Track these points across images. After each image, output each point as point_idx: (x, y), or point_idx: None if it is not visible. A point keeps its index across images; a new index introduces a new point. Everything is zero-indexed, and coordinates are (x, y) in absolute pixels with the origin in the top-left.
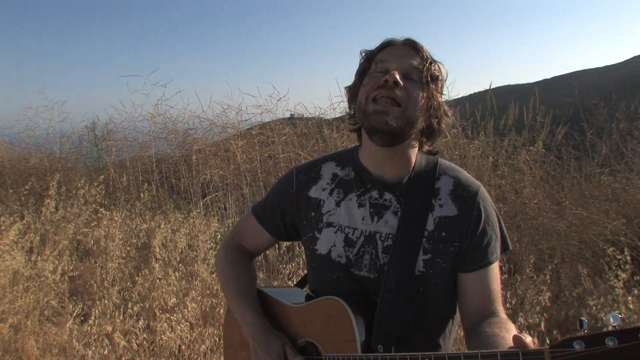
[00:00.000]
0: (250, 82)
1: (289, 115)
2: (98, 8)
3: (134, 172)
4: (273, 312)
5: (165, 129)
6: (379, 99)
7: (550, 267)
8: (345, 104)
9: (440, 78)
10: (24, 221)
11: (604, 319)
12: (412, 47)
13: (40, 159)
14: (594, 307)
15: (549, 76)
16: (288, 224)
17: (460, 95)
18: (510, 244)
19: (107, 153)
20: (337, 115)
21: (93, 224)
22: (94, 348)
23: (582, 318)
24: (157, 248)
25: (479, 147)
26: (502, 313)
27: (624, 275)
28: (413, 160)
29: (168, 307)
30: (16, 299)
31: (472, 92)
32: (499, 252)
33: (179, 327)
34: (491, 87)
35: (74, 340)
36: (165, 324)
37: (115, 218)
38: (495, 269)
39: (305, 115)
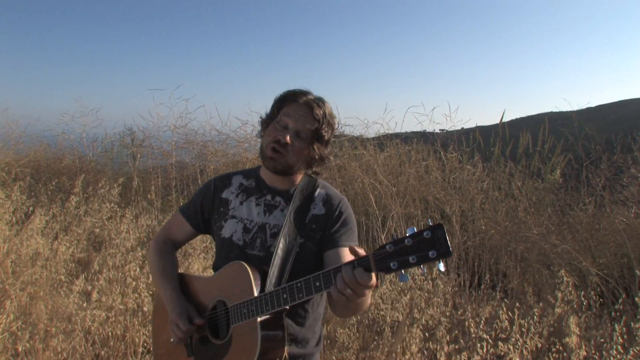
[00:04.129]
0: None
1: None
2: (133, 21)
3: (155, 178)
4: (191, 288)
5: (187, 140)
6: (273, 150)
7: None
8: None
9: (325, 138)
10: (51, 213)
11: (406, 230)
12: (310, 109)
13: (73, 160)
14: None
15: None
16: (206, 219)
17: (467, 125)
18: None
19: (132, 159)
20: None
21: (107, 219)
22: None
23: (394, 233)
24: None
25: (474, 172)
26: None
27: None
28: (297, 180)
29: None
30: (34, 273)
31: (483, 124)
32: (350, 242)
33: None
34: (503, 119)
35: (76, 308)
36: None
37: (127, 215)
38: (347, 252)
39: None
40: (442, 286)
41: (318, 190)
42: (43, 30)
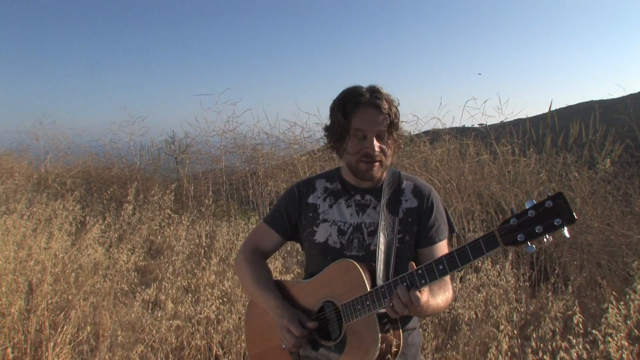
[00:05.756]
0: (316, 102)
1: None
2: (177, 28)
3: (205, 183)
4: (292, 293)
5: (235, 144)
6: (366, 163)
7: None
8: None
9: (398, 124)
10: (106, 222)
11: (526, 203)
12: (376, 107)
13: (122, 169)
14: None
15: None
16: (293, 226)
17: (517, 117)
18: (455, 227)
19: (182, 165)
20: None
21: (163, 226)
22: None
23: (512, 208)
24: (217, 248)
25: (529, 165)
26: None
27: None
28: (383, 175)
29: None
30: (96, 283)
31: (533, 114)
32: (446, 234)
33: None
34: (551, 108)
35: (140, 319)
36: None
37: (184, 222)
38: (443, 245)
39: None
40: (512, 281)
41: (405, 182)
42: (87, 40)
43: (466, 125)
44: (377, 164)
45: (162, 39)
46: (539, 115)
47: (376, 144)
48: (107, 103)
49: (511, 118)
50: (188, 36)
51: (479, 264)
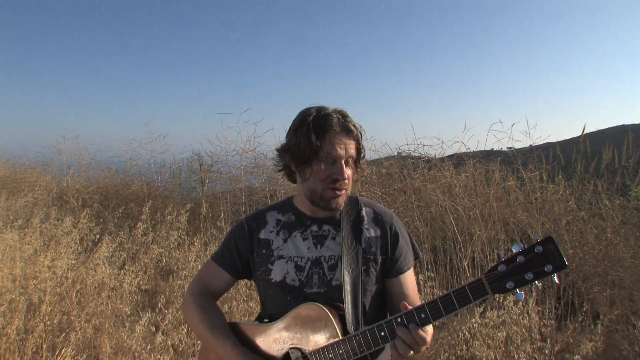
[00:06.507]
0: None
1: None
2: (199, 46)
3: (225, 203)
4: (251, 338)
5: (256, 164)
6: (333, 190)
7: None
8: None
9: (363, 149)
10: (118, 240)
11: (512, 247)
12: (347, 131)
13: (141, 186)
14: None
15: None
16: (244, 263)
17: (546, 141)
18: (420, 253)
19: (201, 184)
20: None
21: (174, 247)
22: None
23: (500, 252)
24: None
25: (557, 191)
26: None
27: None
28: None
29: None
30: (100, 305)
31: (564, 137)
32: (412, 261)
33: None
34: (584, 132)
35: (141, 345)
36: None
37: (195, 243)
38: (411, 274)
39: (388, 155)
40: (536, 318)
41: (364, 208)
42: (112, 57)
43: (493, 149)
44: (343, 191)
45: (185, 56)
46: (569, 139)
47: (345, 169)
48: (129, 119)
49: (539, 142)
50: (211, 55)
51: (501, 299)
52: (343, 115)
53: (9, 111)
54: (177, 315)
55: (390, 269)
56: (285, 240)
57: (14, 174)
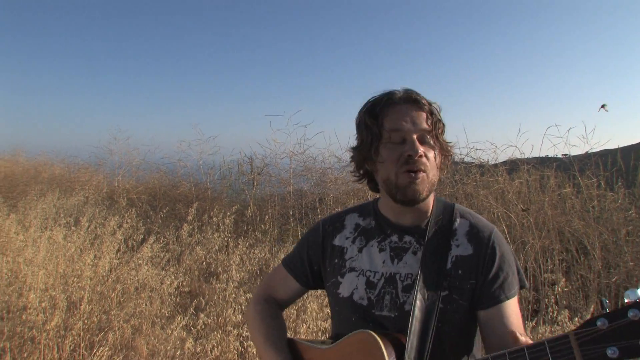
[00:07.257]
0: None
1: None
2: (249, 49)
3: (273, 206)
4: (302, 357)
5: (305, 167)
6: (409, 174)
7: None
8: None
9: (442, 124)
10: (164, 241)
11: (624, 294)
12: (414, 104)
13: (189, 187)
14: None
15: None
16: (315, 272)
17: (605, 147)
18: (526, 282)
19: (251, 186)
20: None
21: (218, 249)
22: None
23: (603, 299)
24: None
25: (616, 200)
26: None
27: None
28: (430, 206)
29: None
30: (139, 305)
31: (621, 144)
32: (516, 289)
33: None
34: None
35: (174, 348)
36: None
37: (240, 246)
38: (513, 304)
39: None
40: None
41: (458, 220)
42: (161, 58)
43: (548, 155)
44: (421, 174)
45: (235, 58)
46: (630, 145)
47: (419, 146)
48: (178, 121)
49: (597, 148)
50: (260, 57)
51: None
52: (406, 89)
53: (67, 112)
54: (215, 319)
55: (483, 296)
56: (360, 250)
57: (69, 173)
